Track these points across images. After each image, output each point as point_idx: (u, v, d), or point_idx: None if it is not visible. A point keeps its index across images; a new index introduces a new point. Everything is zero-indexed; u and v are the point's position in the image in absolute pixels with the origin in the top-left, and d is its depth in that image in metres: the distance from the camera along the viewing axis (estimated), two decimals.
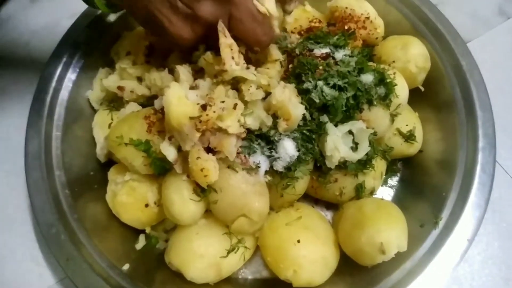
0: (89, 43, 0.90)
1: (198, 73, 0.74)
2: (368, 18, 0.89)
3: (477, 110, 0.81)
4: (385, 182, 0.86)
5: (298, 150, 0.70)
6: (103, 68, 0.90)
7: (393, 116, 0.77)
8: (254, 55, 0.75)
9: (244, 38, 0.68)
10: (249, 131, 0.69)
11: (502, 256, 0.83)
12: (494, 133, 0.79)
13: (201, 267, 0.70)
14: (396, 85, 0.75)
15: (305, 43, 0.79)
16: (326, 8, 0.91)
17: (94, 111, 0.89)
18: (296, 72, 0.73)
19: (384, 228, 0.68)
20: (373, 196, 0.81)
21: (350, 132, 0.71)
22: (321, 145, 0.71)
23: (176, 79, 0.72)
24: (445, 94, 0.85)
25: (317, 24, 0.88)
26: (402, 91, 0.77)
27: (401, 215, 0.73)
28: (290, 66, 0.76)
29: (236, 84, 0.70)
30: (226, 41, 0.66)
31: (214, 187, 0.67)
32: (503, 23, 1.08)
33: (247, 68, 0.70)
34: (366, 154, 0.72)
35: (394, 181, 0.88)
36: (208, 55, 0.70)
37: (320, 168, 0.74)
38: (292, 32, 0.86)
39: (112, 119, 0.85)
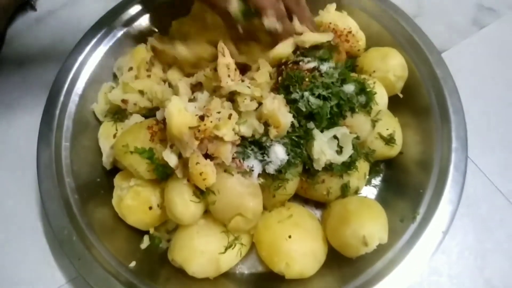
0: (95, 59, 0.93)
1: (196, 86, 0.78)
2: (350, 32, 0.92)
3: (450, 114, 0.83)
4: (369, 182, 0.88)
5: (288, 154, 0.72)
6: (106, 83, 0.93)
7: (374, 122, 0.79)
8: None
9: None
10: (243, 138, 0.71)
11: (477, 247, 0.86)
12: (466, 135, 0.82)
13: (202, 263, 0.72)
14: (375, 93, 0.78)
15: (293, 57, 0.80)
16: None
17: (99, 122, 0.91)
18: (285, 84, 0.75)
19: (367, 223, 0.71)
20: (358, 195, 0.84)
21: (335, 137, 0.73)
22: (309, 149, 0.73)
23: (176, 93, 0.76)
24: (422, 100, 0.88)
25: None
26: (381, 99, 0.79)
27: (382, 211, 0.76)
28: (280, 78, 0.77)
29: (231, 96, 0.72)
30: (223, 61, 0.71)
31: (212, 189, 0.69)
32: (477, 32, 1.12)
33: (242, 81, 0.73)
34: (350, 156, 0.74)
35: (377, 180, 0.90)
36: (208, 71, 0.74)
37: (308, 170, 0.76)
38: None
39: (116, 130, 0.87)
